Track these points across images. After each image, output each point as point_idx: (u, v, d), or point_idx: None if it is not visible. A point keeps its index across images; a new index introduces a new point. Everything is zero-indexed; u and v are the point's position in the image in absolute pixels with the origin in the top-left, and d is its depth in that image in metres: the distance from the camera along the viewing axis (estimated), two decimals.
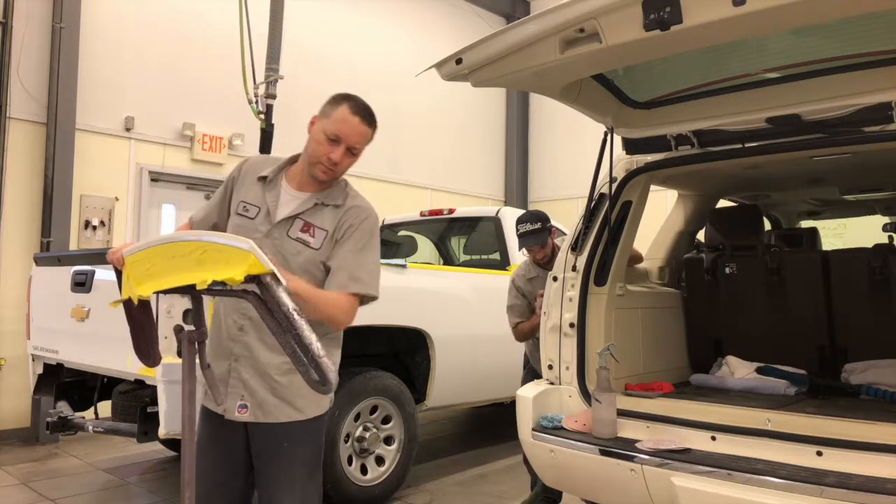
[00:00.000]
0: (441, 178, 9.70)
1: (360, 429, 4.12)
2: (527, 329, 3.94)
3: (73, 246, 6.19)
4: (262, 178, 2.19)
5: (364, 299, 2.12)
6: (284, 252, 2.08)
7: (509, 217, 5.67)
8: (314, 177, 2.14)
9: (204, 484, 2.11)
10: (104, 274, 3.76)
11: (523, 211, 6.44)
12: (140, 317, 1.85)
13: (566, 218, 6.57)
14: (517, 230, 4.01)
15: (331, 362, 1.61)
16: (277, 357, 2.06)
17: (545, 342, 3.14)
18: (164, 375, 3.29)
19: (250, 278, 1.58)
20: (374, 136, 2.19)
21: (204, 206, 2.32)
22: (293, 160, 2.24)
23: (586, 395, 2.95)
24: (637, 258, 3.81)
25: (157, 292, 1.73)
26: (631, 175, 3.18)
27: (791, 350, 3.49)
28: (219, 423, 2.13)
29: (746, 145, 2.89)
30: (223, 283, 1.59)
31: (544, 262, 3.90)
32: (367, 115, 2.14)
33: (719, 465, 2.38)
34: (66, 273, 4.03)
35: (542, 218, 3.93)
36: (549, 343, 3.12)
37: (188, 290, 1.66)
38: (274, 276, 1.60)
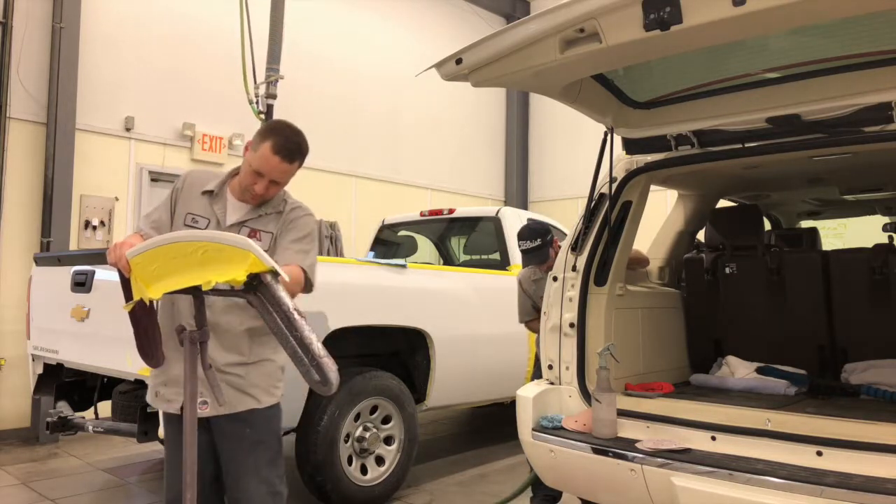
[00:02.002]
0: (441, 178, 9.71)
1: (360, 429, 4.12)
2: (538, 327, 3.97)
3: (73, 246, 6.19)
4: (209, 192, 2.34)
5: (306, 286, 2.26)
6: None
7: (509, 217, 5.67)
8: (246, 200, 2.32)
9: (176, 483, 2.22)
10: (104, 274, 3.75)
11: (524, 211, 6.47)
12: (143, 318, 1.86)
13: (566, 218, 6.58)
14: (518, 246, 4.02)
15: (332, 361, 1.61)
16: (232, 356, 2.23)
17: (545, 342, 3.14)
18: None
19: (251, 277, 1.59)
20: (300, 166, 2.32)
21: (152, 221, 2.37)
22: (234, 173, 2.39)
23: (586, 395, 2.95)
24: (642, 262, 3.78)
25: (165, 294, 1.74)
26: (631, 175, 3.18)
27: (791, 350, 3.49)
28: (181, 424, 2.19)
29: (746, 145, 2.89)
30: (227, 284, 1.60)
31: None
32: (287, 154, 2.23)
33: (719, 465, 2.38)
34: (66, 273, 4.03)
35: (541, 233, 3.89)
36: (549, 343, 3.12)
37: (193, 291, 1.67)
38: (274, 273, 1.60)
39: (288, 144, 2.23)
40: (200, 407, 2.16)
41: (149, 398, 2.40)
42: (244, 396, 2.26)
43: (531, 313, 4.08)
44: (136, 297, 1.77)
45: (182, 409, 2.17)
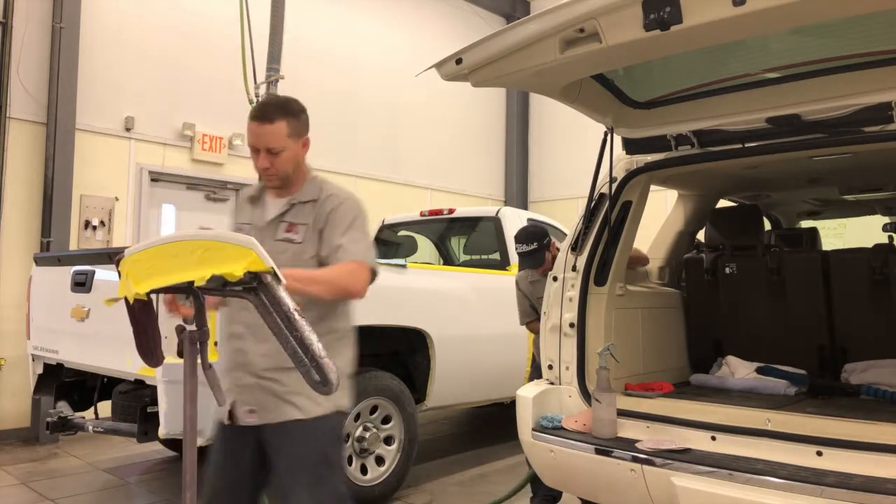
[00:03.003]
0: (441, 178, 9.71)
1: (360, 429, 4.12)
2: (538, 327, 3.98)
3: (73, 246, 6.19)
4: (251, 199, 2.33)
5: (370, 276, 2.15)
6: (271, 255, 2.13)
7: (509, 217, 5.67)
8: (278, 193, 2.27)
9: (211, 486, 2.20)
10: (104, 274, 3.76)
11: (524, 211, 6.47)
12: (142, 317, 1.85)
13: (566, 218, 6.57)
14: (515, 249, 3.99)
15: (332, 362, 1.61)
16: (271, 360, 2.12)
17: (545, 342, 3.14)
18: (165, 375, 3.29)
19: (251, 276, 1.58)
20: (286, 125, 2.17)
21: None
22: None
23: (586, 395, 2.95)
24: (642, 260, 3.78)
25: (157, 290, 1.73)
26: (631, 175, 3.18)
27: (791, 350, 3.49)
28: (229, 430, 2.21)
29: (746, 145, 2.89)
30: (222, 280, 1.59)
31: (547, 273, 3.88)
32: (260, 115, 2.16)
33: (719, 465, 2.38)
34: (66, 273, 4.03)
35: (538, 236, 3.84)
36: (549, 343, 3.12)
37: (187, 289, 1.66)
38: (275, 274, 1.60)
39: (259, 107, 2.18)
40: (248, 415, 2.15)
41: None
42: (284, 405, 2.11)
43: (530, 314, 4.09)
44: (120, 294, 1.76)
45: (231, 415, 2.17)
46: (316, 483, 2.12)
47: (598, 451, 2.66)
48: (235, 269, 1.57)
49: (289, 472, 2.13)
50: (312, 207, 2.22)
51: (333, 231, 2.15)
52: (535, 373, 4.01)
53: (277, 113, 2.16)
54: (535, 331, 4.05)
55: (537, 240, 3.83)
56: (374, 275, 2.17)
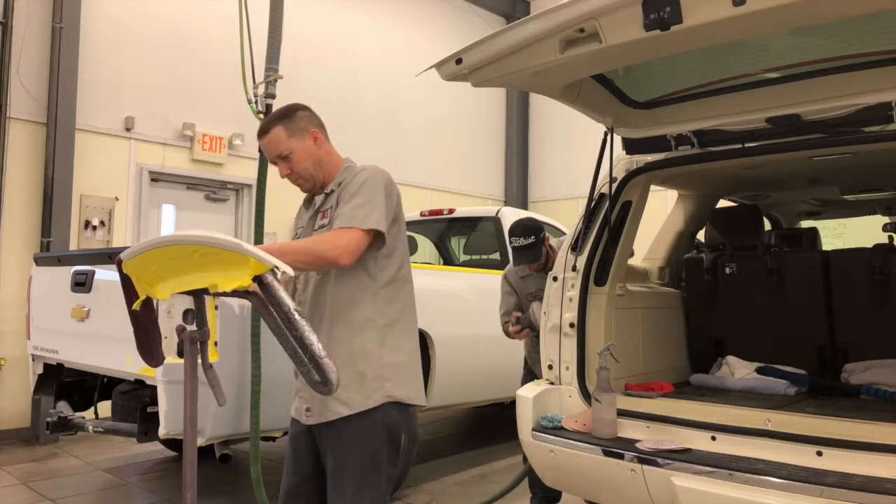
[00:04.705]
0: (441, 178, 9.70)
1: None
2: (513, 335, 3.96)
3: (73, 246, 6.19)
4: (304, 202, 2.37)
5: (372, 232, 2.05)
6: None
7: (509, 217, 5.67)
8: (304, 191, 2.33)
9: (283, 485, 2.22)
10: (104, 274, 3.75)
11: (523, 211, 6.47)
12: (143, 317, 1.85)
13: (566, 218, 6.57)
14: (510, 242, 3.82)
15: (332, 362, 1.61)
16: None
17: (545, 342, 3.14)
18: (165, 375, 3.29)
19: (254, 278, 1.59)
20: (282, 129, 2.20)
21: None
22: None
23: (586, 395, 2.96)
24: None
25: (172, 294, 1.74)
26: (631, 175, 3.18)
27: (791, 350, 3.49)
28: (295, 428, 2.23)
29: (746, 145, 2.89)
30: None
31: (540, 269, 3.82)
32: (260, 131, 2.23)
33: (719, 465, 2.38)
34: (66, 273, 4.03)
35: (534, 230, 3.68)
36: (549, 343, 3.12)
37: (199, 293, 1.68)
38: (274, 274, 1.60)
39: (260, 125, 2.25)
40: (305, 414, 2.15)
41: None
42: (331, 401, 2.04)
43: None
44: (142, 295, 1.76)
45: (307, 412, 2.15)
46: (363, 485, 2.06)
47: (599, 451, 2.66)
48: (243, 280, 1.58)
49: (337, 471, 2.08)
50: (338, 190, 2.22)
51: (342, 203, 2.12)
52: (528, 375, 4.00)
53: (271, 122, 2.22)
54: (510, 334, 3.97)
55: (535, 233, 3.68)
56: (372, 235, 2.06)
